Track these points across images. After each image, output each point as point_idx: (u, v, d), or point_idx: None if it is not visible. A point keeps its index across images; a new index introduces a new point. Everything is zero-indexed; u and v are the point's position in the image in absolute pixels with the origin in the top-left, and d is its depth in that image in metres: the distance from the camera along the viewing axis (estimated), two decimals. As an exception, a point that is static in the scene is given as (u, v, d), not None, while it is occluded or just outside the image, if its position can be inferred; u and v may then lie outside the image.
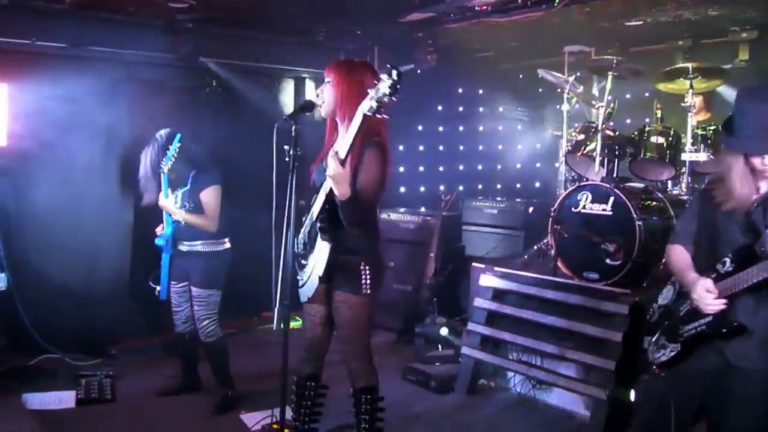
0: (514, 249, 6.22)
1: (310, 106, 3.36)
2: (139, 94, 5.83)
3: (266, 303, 6.57)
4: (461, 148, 7.23)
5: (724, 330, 2.58)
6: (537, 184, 7.22)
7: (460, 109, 7.13)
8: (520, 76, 7.12)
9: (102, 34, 5.49)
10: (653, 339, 2.85)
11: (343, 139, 3.09)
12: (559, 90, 5.89)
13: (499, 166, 7.19)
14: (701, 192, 2.84)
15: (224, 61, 6.14)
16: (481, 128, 7.21)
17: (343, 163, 3.01)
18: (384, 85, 2.82)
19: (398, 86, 2.82)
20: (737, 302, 2.56)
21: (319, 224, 3.25)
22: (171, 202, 4.44)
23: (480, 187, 7.16)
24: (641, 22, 5.58)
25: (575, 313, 4.52)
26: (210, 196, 4.50)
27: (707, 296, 2.58)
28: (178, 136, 4.34)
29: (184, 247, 4.55)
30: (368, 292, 3.29)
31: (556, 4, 4.55)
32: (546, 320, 4.63)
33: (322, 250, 3.24)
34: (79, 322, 5.51)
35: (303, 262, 3.47)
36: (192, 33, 5.69)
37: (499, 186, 7.22)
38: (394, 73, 2.81)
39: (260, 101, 6.41)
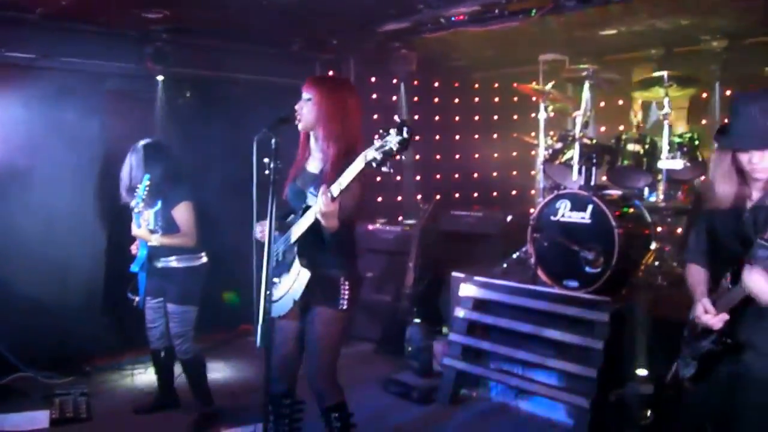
0: (492, 258, 6.21)
1: (290, 118, 3.32)
2: (112, 106, 5.71)
3: (245, 316, 6.55)
4: (437, 157, 7.23)
5: (722, 348, 2.61)
6: (513, 192, 7.24)
7: (437, 118, 7.13)
8: (495, 86, 7.15)
9: (73, 45, 5.39)
10: (684, 354, 2.87)
11: (338, 179, 2.96)
12: (534, 99, 5.95)
13: (476, 175, 7.20)
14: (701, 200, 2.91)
15: (198, 72, 6.07)
16: (457, 137, 7.21)
17: (334, 200, 2.95)
18: (393, 140, 2.68)
19: (407, 144, 2.69)
20: (742, 316, 2.57)
21: (297, 250, 3.21)
22: (144, 231, 4.34)
23: (457, 195, 7.16)
24: (615, 32, 5.64)
25: (556, 321, 4.54)
26: (183, 212, 4.42)
27: (705, 315, 2.62)
28: (147, 176, 4.25)
29: (159, 263, 4.46)
30: (345, 307, 3.25)
31: (533, 14, 4.57)
32: (527, 329, 4.63)
33: (300, 275, 3.18)
34: (51, 338, 5.35)
35: (275, 280, 3.40)
36: (165, 43, 5.60)
37: (476, 195, 7.23)
38: (405, 130, 2.67)
39: (235, 112, 6.34)
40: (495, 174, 7.11)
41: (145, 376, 5.22)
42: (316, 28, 5.66)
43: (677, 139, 4.81)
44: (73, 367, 5.42)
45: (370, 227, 6.42)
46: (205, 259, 4.58)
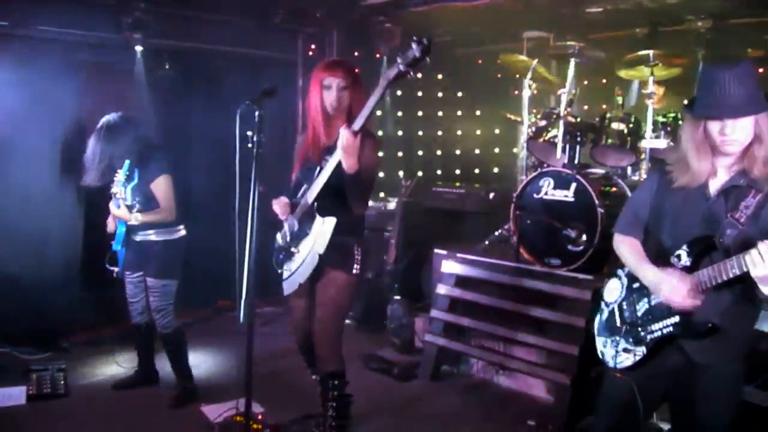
0: (474, 234, 6.22)
1: (273, 91, 3.26)
2: (88, 77, 5.57)
3: (223, 292, 6.51)
4: (420, 133, 7.18)
5: (699, 332, 2.39)
6: (495, 170, 7.23)
7: (419, 94, 7.07)
8: (479, 61, 7.10)
9: (49, 13, 5.23)
10: (609, 341, 2.68)
11: (360, 111, 3.12)
12: (518, 76, 5.90)
13: (458, 152, 7.17)
14: (658, 174, 2.62)
15: (178, 43, 5.94)
16: (440, 113, 7.17)
17: (355, 135, 3.06)
18: (415, 50, 2.80)
19: (429, 54, 2.82)
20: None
21: (318, 203, 3.31)
22: (124, 211, 4.24)
23: (439, 172, 7.13)
24: (601, 9, 5.60)
25: (538, 298, 4.55)
26: (161, 186, 4.33)
27: (680, 290, 2.37)
28: (127, 163, 4.16)
29: (137, 237, 4.40)
30: (357, 273, 3.41)
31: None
32: (508, 306, 4.65)
33: (325, 225, 3.29)
34: (27, 313, 5.27)
35: (293, 250, 3.46)
36: (144, 13, 5.46)
37: (458, 171, 7.20)
38: (425, 40, 2.81)
39: (215, 85, 6.23)
40: (477, 151, 7.09)
41: (124, 352, 5.16)
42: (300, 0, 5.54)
43: (661, 119, 4.81)
44: (51, 343, 5.35)
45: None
46: (183, 232, 4.51)
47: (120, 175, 4.16)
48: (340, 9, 5.78)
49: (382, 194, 6.59)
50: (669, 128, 4.75)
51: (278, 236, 3.63)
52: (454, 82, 7.24)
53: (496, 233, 5.54)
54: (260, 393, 3.51)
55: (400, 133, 6.86)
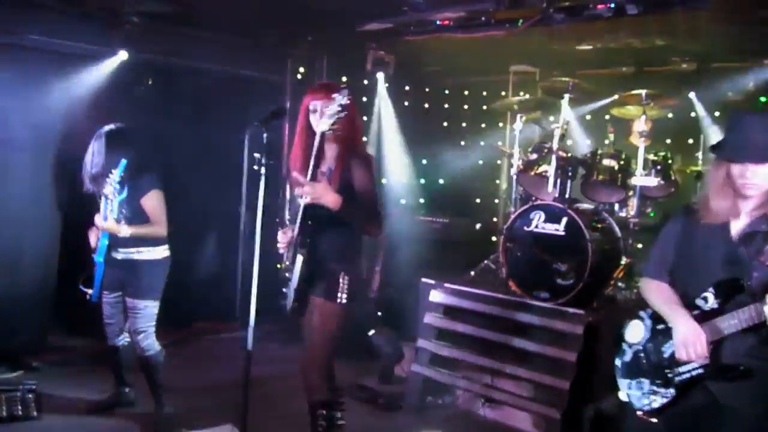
0: (458, 264, 6.21)
1: (282, 111, 3.23)
2: (73, 88, 5.45)
3: (200, 314, 6.37)
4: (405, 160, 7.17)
5: (730, 375, 2.42)
6: (477, 201, 7.25)
7: (406, 122, 7.07)
8: (466, 93, 7.16)
9: (36, 22, 5.12)
10: (634, 382, 2.68)
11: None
12: (508, 112, 5.97)
13: (441, 181, 7.18)
14: (683, 216, 2.70)
15: (167, 59, 5.86)
16: (425, 141, 7.18)
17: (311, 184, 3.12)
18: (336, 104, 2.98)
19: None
20: (724, 342, 2.45)
21: (300, 237, 3.26)
22: (111, 223, 4.07)
23: (422, 201, 7.12)
24: (591, 47, 5.70)
25: (527, 331, 4.54)
26: (153, 201, 4.23)
27: (701, 344, 2.42)
28: (124, 162, 4.03)
29: (119, 254, 4.24)
30: (343, 302, 3.29)
31: (519, 24, 4.57)
32: (497, 338, 4.62)
33: (297, 263, 3.26)
34: (-1, 330, 5.10)
35: (287, 275, 3.40)
36: (134, 26, 5.38)
37: (440, 201, 7.20)
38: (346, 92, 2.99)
39: (201, 103, 6.15)
40: (461, 181, 7.10)
41: (97, 373, 4.98)
42: (293, 23, 5.52)
43: (652, 157, 4.88)
44: (20, 362, 5.13)
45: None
46: (167, 252, 4.38)
47: (115, 175, 4.01)
48: (333, 34, 5.77)
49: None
50: (659, 167, 4.82)
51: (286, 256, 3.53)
52: (440, 112, 7.28)
53: (482, 264, 5.54)
54: (250, 418, 3.39)
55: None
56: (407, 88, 6.99)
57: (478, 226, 5.91)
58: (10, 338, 5.13)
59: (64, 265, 5.44)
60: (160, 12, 5.30)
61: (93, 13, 5.30)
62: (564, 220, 4.60)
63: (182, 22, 5.60)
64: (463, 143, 7.15)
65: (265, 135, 3.01)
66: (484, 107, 7.05)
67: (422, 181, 7.08)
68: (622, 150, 4.98)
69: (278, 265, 3.53)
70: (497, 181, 7.21)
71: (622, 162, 4.89)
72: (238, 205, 6.47)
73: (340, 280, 3.29)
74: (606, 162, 4.87)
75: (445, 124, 7.25)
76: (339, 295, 3.29)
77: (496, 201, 7.07)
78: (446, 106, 7.22)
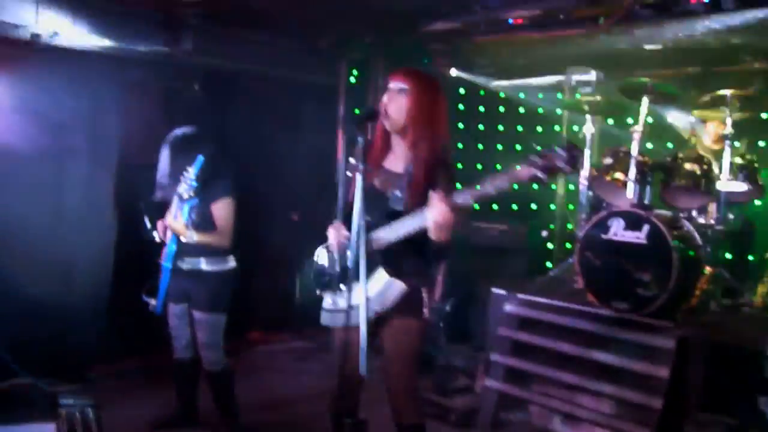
0: (516, 273, 6.01)
1: (376, 114, 3.02)
2: (128, 93, 5.31)
3: (253, 324, 6.21)
4: (459, 166, 6.96)
5: None
6: (533, 207, 7.02)
7: (460, 126, 6.87)
8: (521, 96, 6.93)
9: (92, 24, 4.99)
10: None
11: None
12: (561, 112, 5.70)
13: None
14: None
15: (223, 63, 5.71)
16: (480, 146, 6.97)
17: (452, 208, 2.69)
18: (560, 159, 2.46)
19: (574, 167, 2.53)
20: None
21: (385, 257, 2.94)
22: (181, 224, 3.93)
23: (477, 207, 6.90)
24: (660, 47, 5.44)
25: (609, 344, 4.32)
26: (223, 209, 4.06)
27: None
28: (201, 158, 3.87)
29: (185, 264, 4.08)
30: (426, 317, 3.08)
31: (600, 22, 4.34)
32: (576, 351, 4.40)
33: (391, 288, 2.96)
34: (51, 341, 4.92)
35: (341, 286, 3.10)
36: (192, 28, 5.23)
37: (495, 207, 6.98)
38: (575, 149, 2.49)
39: (254, 107, 6.00)
40: (516, 186, 6.87)
41: (155, 386, 4.83)
42: (354, 24, 5.32)
43: (738, 160, 4.65)
44: (76, 374, 4.98)
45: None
46: (234, 263, 4.22)
47: (191, 173, 3.84)
48: (392, 35, 5.56)
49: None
50: (746, 171, 4.59)
51: (324, 255, 3.23)
52: (494, 116, 7.06)
53: (550, 273, 5.33)
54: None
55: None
56: (462, 91, 6.78)
57: (544, 233, 5.69)
58: (64, 348, 4.95)
59: (119, 274, 5.30)
60: (217, 13, 5.14)
61: (148, 13, 5.15)
62: (645, 227, 4.37)
63: (240, 22, 5.42)
64: (519, 147, 6.92)
65: (360, 139, 2.79)
66: (539, 110, 6.83)
67: (477, 187, 6.85)
68: (704, 154, 4.74)
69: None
70: (553, 186, 6.97)
71: (704, 166, 4.65)
72: (292, 211, 6.32)
73: (424, 297, 3.06)
74: (688, 166, 4.64)
75: (501, 128, 7.03)
76: (424, 310, 3.06)
77: (552, 207, 6.83)
78: (501, 109, 6.99)
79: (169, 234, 4.06)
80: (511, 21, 4.73)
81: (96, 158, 5.18)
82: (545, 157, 2.49)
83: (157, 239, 4.18)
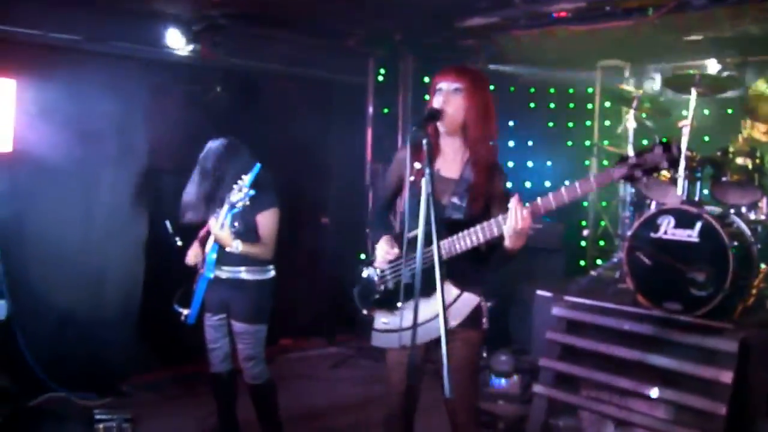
0: (557, 272, 5.86)
1: (437, 114, 2.86)
2: (159, 97, 5.17)
3: (285, 330, 6.06)
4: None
5: None
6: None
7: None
8: (551, 90, 6.77)
9: (121, 27, 4.86)
10: None
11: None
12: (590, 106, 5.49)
13: (528, 184, 6.80)
14: None
15: (249, 63, 5.56)
16: (511, 143, 6.81)
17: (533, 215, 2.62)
18: (659, 157, 2.34)
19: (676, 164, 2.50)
20: None
21: (452, 273, 2.75)
22: (227, 233, 3.73)
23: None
24: (701, 37, 5.27)
25: (663, 347, 4.16)
26: (268, 219, 3.87)
27: None
28: (258, 166, 3.70)
29: (223, 273, 3.91)
30: (485, 327, 2.92)
31: (650, 14, 4.17)
32: (629, 355, 4.24)
33: (463, 302, 2.81)
34: (85, 354, 4.84)
35: (398, 304, 2.93)
36: (220, 29, 5.08)
37: (526, 204, 6.82)
38: (675, 147, 2.36)
39: (280, 108, 5.85)
40: (548, 183, 6.71)
41: (191, 399, 4.70)
42: (385, 20, 5.15)
43: (796, 153, 4.48)
44: (110, 386, 4.87)
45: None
46: (273, 273, 4.05)
47: (246, 180, 3.65)
48: (425, 31, 5.39)
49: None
50: (803, 163, 4.42)
51: (373, 271, 3.05)
52: (526, 112, 6.90)
53: (593, 273, 5.18)
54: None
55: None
56: (491, 87, 6.62)
57: (586, 232, 5.53)
58: (97, 361, 4.86)
59: (149, 285, 5.17)
60: (245, 12, 4.98)
61: (175, 14, 5.01)
62: (698, 225, 4.21)
63: (268, 22, 5.27)
64: (551, 143, 6.76)
65: (425, 141, 2.63)
66: (571, 105, 6.67)
67: (508, 184, 6.70)
68: (757, 147, 4.57)
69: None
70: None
71: (757, 160, 4.48)
72: (322, 214, 6.19)
73: (482, 305, 2.90)
74: (740, 161, 4.47)
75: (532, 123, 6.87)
76: (484, 320, 2.91)
77: (585, 204, 6.67)
78: (532, 105, 6.82)
79: (210, 242, 3.91)
80: (553, 15, 4.54)
81: (124, 164, 5.04)
82: (642, 156, 2.37)
83: (192, 258, 4.03)
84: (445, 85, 2.87)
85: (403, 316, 2.95)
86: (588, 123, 6.67)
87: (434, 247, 2.48)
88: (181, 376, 5.05)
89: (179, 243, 4.56)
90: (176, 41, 5.10)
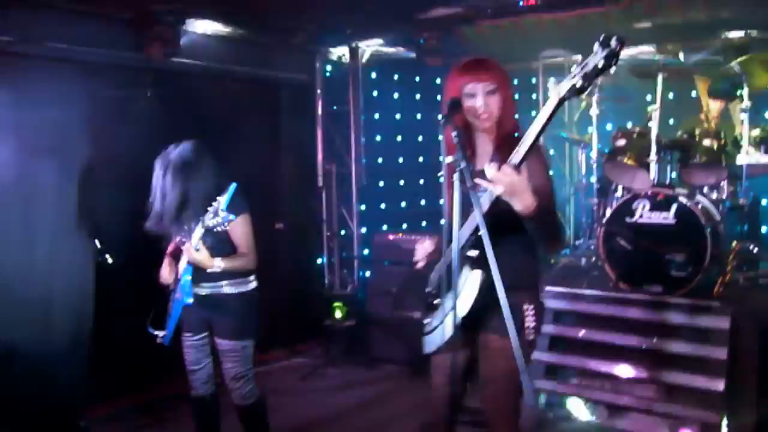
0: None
1: (459, 105, 2.70)
2: (102, 102, 4.72)
3: (270, 341, 5.71)
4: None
5: None
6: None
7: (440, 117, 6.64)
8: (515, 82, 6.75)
9: (57, 27, 4.40)
10: None
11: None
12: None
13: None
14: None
15: (203, 64, 5.21)
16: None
17: (516, 169, 2.34)
18: (598, 56, 2.10)
19: (616, 58, 2.12)
20: None
21: (465, 251, 2.57)
22: (204, 254, 3.40)
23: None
24: (649, 25, 5.34)
25: (652, 330, 4.21)
26: (241, 227, 3.54)
27: None
28: (234, 186, 3.40)
29: (203, 290, 3.59)
30: (531, 338, 2.67)
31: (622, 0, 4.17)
32: (617, 340, 4.28)
33: (469, 280, 2.56)
34: (33, 389, 4.33)
35: (435, 302, 2.78)
36: (168, 28, 4.70)
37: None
38: (614, 40, 2.09)
39: (226, 110, 5.51)
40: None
41: (156, 427, 4.34)
42: (327, 15, 4.91)
43: (757, 133, 4.63)
44: (66, 423, 4.40)
45: (391, 237, 5.82)
46: (255, 283, 3.76)
47: (221, 203, 3.32)
48: (380, 24, 5.19)
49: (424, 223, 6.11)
50: (764, 144, 4.57)
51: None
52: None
53: (563, 260, 5.20)
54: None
55: (441, 158, 6.40)
56: (438, 81, 6.54)
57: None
58: (49, 397, 4.37)
59: (101, 306, 4.71)
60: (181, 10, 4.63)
61: (118, 14, 4.60)
62: (674, 207, 4.31)
63: (220, 19, 4.93)
64: (516, 135, 6.73)
65: (455, 133, 2.47)
66: (533, 95, 6.69)
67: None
68: (721, 128, 4.70)
69: None
70: (550, 173, 6.82)
71: (722, 141, 4.61)
72: (276, 219, 5.91)
73: (524, 309, 2.66)
74: (706, 142, 4.58)
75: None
76: (526, 327, 2.65)
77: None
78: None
79: (182, 264, 3.58)
80: (521, 3, 4.46)
81: (66, 177, 4.57)
82: (580, 64, 2.17)
83: (165, 278, 3.71)
84: (480, 87, 2.69)
85: (431, 320, 2.80)
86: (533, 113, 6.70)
87: (483, 235, 2.30)
88: (144, 403, 4.64)
89: (110, 261, 4.21)
90: (117, 41, 4.67)
